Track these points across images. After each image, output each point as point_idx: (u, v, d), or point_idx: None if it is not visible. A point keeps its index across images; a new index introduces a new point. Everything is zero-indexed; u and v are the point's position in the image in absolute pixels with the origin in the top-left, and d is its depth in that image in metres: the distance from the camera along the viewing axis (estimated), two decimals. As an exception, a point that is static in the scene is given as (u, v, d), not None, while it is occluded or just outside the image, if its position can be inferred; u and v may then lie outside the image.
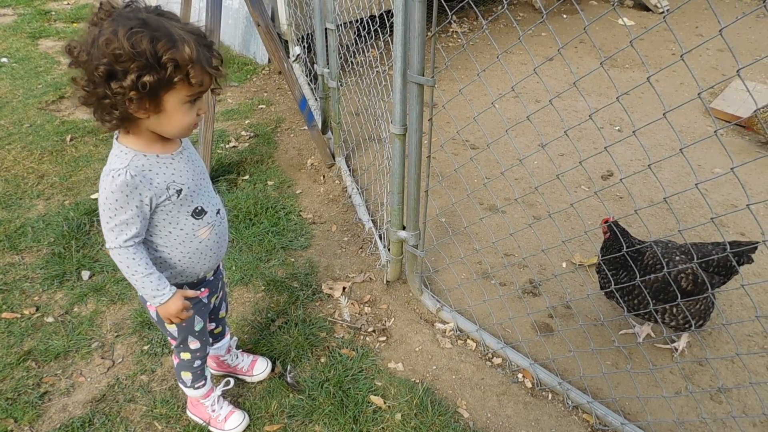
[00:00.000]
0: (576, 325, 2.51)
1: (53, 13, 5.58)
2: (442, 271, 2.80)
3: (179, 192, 1.56)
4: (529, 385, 2.30)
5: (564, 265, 2.90)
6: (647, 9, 6.17)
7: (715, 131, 1.35)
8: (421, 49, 1.96)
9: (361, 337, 2.47)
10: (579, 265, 2.88)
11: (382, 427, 2.09)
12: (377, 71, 3.94)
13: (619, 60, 5.12)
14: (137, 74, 1.29)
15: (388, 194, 2.45)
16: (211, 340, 2.12)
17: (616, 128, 4.01)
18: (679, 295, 2.01)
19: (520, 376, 2.33)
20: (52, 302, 2.57)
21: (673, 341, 2.48)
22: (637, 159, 3.67)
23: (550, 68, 4.93)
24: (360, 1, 4.40)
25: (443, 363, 2.37)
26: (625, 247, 2.21)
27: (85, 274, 2.71)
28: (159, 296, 1.58)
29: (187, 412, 2.13)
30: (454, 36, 5.53)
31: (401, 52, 2.02)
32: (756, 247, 2.32)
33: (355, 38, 4.75)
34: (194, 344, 1.88)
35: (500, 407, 2.21)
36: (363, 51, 4.90)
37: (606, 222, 2.30)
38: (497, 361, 2.39)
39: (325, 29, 3.10)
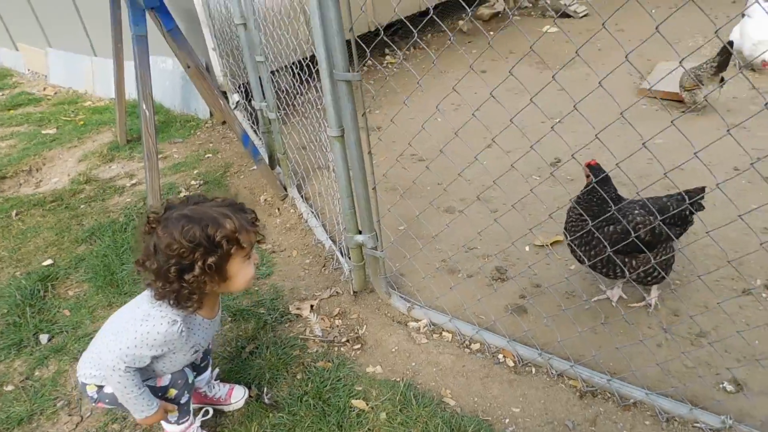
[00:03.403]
0: (548, 301, 2.50)
1: (-10, 102, 5.58)
2: (408, 274, 2.78)
3: (195, 351, 1.80)
4: (511, 363, 2.26)
5: (527, 248, 2.91)
6: (568, 16, 6.50)
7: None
8: (343, 47, 2.00)
9: (336, 348, 2.41)
10: (541, 246, 2.89)
11: (368, 429, 2.01)
12: (318, 107, 4.00)
13: (550, 63, 5.33)
14: (202, 260, 1.54)
15: (339, 200, 2.45)
16: (195, 374, 2.06)
17: (557, 120, 4.13)
18: (640, 246, 2.04)
19: (500, 356, 2.29)
20: (11, 371, 2.44)
21: (644, 299, 2.49)
22: (582, 143, 3.76)
23: (485, 79, 5.09)
24: (289, 44, 4.51)
25: (422, 358, 2.32)
26: (608, 191, 2.26)
27: (44, 338, 2.59)
28: (147, 411, 1.71)
29: (165, 450, 2.02)
30: (389, 66, 5.70)
31: (324, 53, 2.05)
32: (704, 193, 2.39)
33: (291, 80, 4.84)
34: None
35: (485, 389, 2.16)
36: (302, 92, 5.00)
37: (589, 165, 2.33)
38: (476, 346, 2.35)
39: (257, 63, 3.16)
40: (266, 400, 2.17)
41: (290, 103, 4.62)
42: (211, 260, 1.56)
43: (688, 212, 2.32)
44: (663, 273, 2.30)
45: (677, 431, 1.93)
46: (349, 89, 2.08)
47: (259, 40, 3.04)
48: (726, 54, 3.62)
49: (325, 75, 2.10)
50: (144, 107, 2.91)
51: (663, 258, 2.29)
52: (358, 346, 2.41)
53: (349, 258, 2.54)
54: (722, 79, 3.79)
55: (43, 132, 4.79)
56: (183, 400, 1.86)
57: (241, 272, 1.67)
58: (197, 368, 2.08)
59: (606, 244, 2.16)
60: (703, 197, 2.37)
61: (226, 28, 4.11)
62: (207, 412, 2.07)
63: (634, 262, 2.27)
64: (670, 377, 2.10)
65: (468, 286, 2.65)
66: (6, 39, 6.67)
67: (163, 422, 1.92)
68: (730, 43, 3.57)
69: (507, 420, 2.03)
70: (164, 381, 1.79)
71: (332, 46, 2.01)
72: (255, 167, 3.89)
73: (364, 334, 2.47)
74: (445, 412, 2.06)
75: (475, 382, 2.20)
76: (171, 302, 1.64)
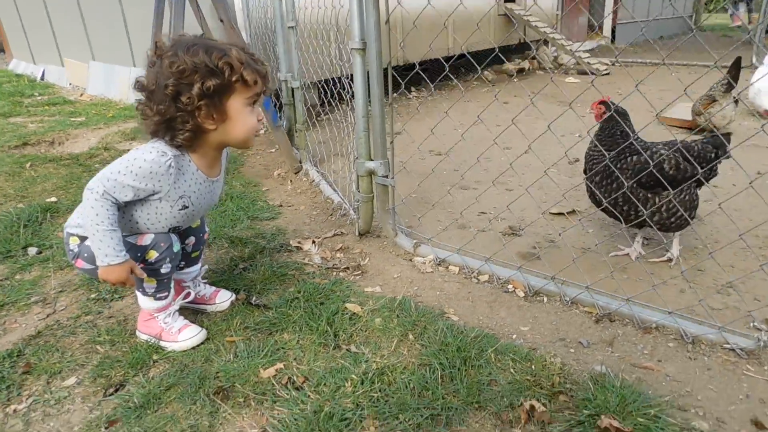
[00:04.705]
0: (563, 254, 2.35)
1: (26, 103, 5.77)
2: (417, 227, 2.66)
3: (184, 207, 1.67)
4: (522, 294, 2.09)
5: (542, 216, 2.79)
6: (591, 74, 6.70)
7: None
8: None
9: (334, 273, 2.26)
10: (558, 214, 2.78)
11: (360, 328, 1.84)
12: (341, 124, 4.07)
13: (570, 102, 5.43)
14: (201, 82, 1.48)
15: (353, 127, 2.40)
16: (183, 263, 1.94)
17: (577, 135, 4.13)
18: (662, 180, 1.95)
19: (510, 287, 2.13)
20: (-9, 273, 2.33)
21: (665, 254, 2.33)
22: (601, 151, 3.73)
23: (507, 109, 5.18)
24: (322, 64, 4.69)
25: (425, 284, 2.16)
26: (629, 126, 2.21)
27: (33, 250, 2.49)
28: (112, 257, 1.54)
29: (137, 333, 1.85)
30: (414, 99, 5.85)
31: (355, -40, 2.12)
32: (729, 139, 2.31)
33: (319, 98, 4.96)
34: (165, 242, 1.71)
35: (492, 311, 1.98)
36: (327, 111, 5.12)
37: (602, 102, 2.28)
38: (483, 278, 2.19)
39: (287, 30, 3.26)
40: (254, 301, 2.01)
41: (314, 119, 4.72)
42: (210, 83, 1.49)
43: (713, 155, 2.23)
44: (687, 214, 2.16)
45: (704, 353, 1.73)
46: (374, -3, 2.12)
47: (292, 6, 3.15)
48: (735, 69, 3.63)
49: (354, -19, 2.15)
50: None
51: (687, 198, 2.17)
52: (359, 272, 2.26)
53: (358, 190, 2.45)
54: (736, 100, 3.80)
55: (72, 119, 4.92)
56: (164, 270, 1.72)
57: (242, 117, 1.59)
58: (187, 258, 1.96)
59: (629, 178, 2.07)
60: (729, 142, 2.30)
61: (261, 29, 4.29)
62: (188, 294, 1.92)
63: (657, 200, 2.15)
64: (695, 315, 1.91)
65: (479, 239, 2.52)
66: (54, 55, 7.06)
67: (138, 293, 1.78)
68: (739, 59, 3.60)
69: (514, 336, 1.84)
70: (145, 240, 1.67)
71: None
72: (273, 150, 3.91)
73: (366, 264, 2.33)
74: (447, 321, 1.88)
75: (482, 305, 2.02)
76: (166, 138, 1.57)
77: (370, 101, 2.29)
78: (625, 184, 2.10)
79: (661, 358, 1.72)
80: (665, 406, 1.49)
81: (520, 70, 6.89)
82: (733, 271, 2.22)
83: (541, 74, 6.99)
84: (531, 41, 7.43)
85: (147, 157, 1.53)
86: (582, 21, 8.70)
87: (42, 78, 7.37)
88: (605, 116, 2.30)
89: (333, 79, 3.32)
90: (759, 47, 6.91)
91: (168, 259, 1.71)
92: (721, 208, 1.86)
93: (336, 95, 3.19)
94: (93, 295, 2.13)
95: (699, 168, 2.20)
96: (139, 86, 1.56)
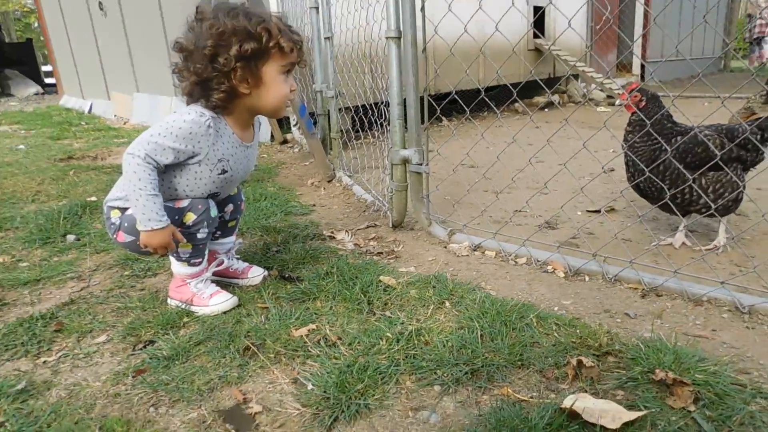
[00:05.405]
0: (602, 243, 2.27)
1: (73, 129, 6.01)
2: (451, 222, 2.62)
3: (223, 172, 1.69)
4: (562, 274, 2.01)
5: (579, 213, 2.73)
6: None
7: None
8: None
9: (368, 256, 2.22)
10: (595, 211, 2.71)
11: (396, 296, 1.79)
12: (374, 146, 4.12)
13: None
14: (239, 45, 1.51)
15: (387, 115, 2.40)
16: (219, 233, 1.94)
17: (611, 150, 4.08)
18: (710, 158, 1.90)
19: (549, 268, 2.05)
20: (31, 255, 2.36)
21: (710, 243, 2.23)
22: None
23: (540, 131, 5.16)
24: (357, 90, 4.79)
25: (461, 266, 2.11)
26: (665, 112, 2.17)
27: (71, 237, 2.53)
28: (154, 221, 1.56)
29: (168, 301, 1.84)
30: (446, 127, 5.91)
31: (391, -50, 2.19)
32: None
33: (351, 123, 5.03)
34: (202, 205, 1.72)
35: (531, 288, 1.91)
36: (360, 136, 5.19)
37: (635, 88, 2.25)
38: (521, 260, 2.13)
39: (324, 40, 3.35)
40: (286, 275, 1.98)
41: (348, 143, 4.79)
42: (248, 46, 1.52)
43: (758, 137, 2.16)
44: (734, 197, 2.08)
45: (763, 322, 1.62)
46: (410, -17, 2.17)
47: (328, 17, 3.25)
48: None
49: (389, -30, 2.21)
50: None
51: (733, 180, 2.09)
52: (393, 256, 2.22)
53: (392, 179, 2.44)
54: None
55: (115, 140, 5.09)
56: (200, 235, 1.73)
57: (276, 84, 1.62)
58: (223, 227, 1.96)
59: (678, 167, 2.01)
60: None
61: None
62: (221, 262, 1.90)
63: (703, 181, 2.08)
64: (750, 289, 1.80)
65: (515, 231, 2.46)
66: (102, 90, 7.39)
67: (173, 258, 1.78)
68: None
69: (556, 308, 1.76)
70: (183, 203, 1.69)
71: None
72: (306, 163, 3.95)
73: (399, 250, 2.29)
74: (485, 293, 1.81)
75: (520, 282, 1.95)
76: (201, 101, 1.60)
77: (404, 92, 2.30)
78: (672, 163, 2.05)
79: (715, 327, 1.61)
80: (725, 366, 1.38)
81: (550, 104, 6.92)
82: (787, 259, 2.11)
83: (571, 107, 7.01)
84: (560, 77, 7.50)
85: (186, 118, 1.56)
86: (611, 58, 8.76)
87: (89, 111, 7.70)
88: (642, 103, 2.26)
89: (365, 105, 3.36)
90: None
91: (205, 223, 1.71)
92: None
93: (367, 122, 3.24)
94: (127, 272, 2.14)
95: (745, 150, 2.15)
96: (178, 47, 1.60)
